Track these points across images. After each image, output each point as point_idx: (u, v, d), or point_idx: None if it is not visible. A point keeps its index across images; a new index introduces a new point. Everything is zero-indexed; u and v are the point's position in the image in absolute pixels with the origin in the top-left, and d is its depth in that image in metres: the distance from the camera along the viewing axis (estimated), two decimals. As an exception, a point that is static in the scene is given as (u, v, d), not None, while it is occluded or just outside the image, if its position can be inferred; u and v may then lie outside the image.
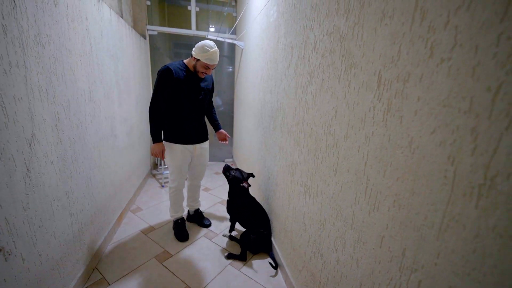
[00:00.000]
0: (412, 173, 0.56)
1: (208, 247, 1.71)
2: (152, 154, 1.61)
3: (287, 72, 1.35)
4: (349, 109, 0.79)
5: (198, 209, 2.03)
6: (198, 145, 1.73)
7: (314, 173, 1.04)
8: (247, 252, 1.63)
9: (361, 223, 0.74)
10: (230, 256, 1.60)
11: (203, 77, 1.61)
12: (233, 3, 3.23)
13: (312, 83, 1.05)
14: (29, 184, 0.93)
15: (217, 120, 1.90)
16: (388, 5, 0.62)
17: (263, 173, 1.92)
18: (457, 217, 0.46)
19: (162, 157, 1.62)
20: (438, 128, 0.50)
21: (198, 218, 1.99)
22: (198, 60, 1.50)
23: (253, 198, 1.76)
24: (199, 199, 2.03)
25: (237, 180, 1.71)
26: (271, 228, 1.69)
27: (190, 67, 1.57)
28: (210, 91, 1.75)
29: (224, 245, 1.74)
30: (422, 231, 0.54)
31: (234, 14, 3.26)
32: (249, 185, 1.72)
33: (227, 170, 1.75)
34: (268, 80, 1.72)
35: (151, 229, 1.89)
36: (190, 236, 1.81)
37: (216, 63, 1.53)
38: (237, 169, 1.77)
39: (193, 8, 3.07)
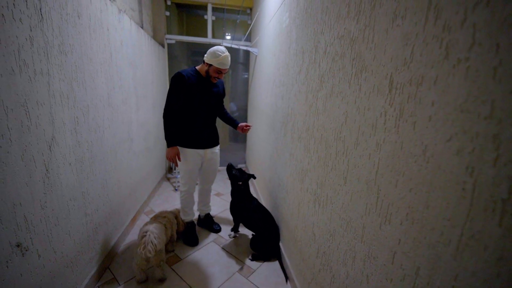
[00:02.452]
0: (427, 184, 0.51)
1: (217, 253, 1.69)
2: (167, 158, 1.64)
3: (298, 77, 1.33)
4: (360, 114, 0.75)
5: (209, 213, 2.03)
6: (209, 150, 1.74)
7: (324, 181, 1.00)
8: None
9: (372, 236, 0.69)
10: (254, 257, 1.65)
11: (216, 82, 1.64)
12: (248, 11, 3.29)
13: (322, 88, 1.02)
14: (48, 184, 0.98)
15: (232, 117, 1.89)
16: (400, 5, 0.59)
17: (274, 180, 1.89)
18: (477, 236, 0.41)
19: (176, 162, 1.64)
20: (455, 135, 0.45)
21: (208, 223, 1.99)
22: (210, 65, 1.54)
23: (255, 199, 1.78)
24: (210, 204, 2.04)
25: (236, 179, 1.75)
26: (281, 235, 1.65)
27: (202, 72, 1.61)
28: (221, 95, 1.78)
29: (233, 251, 1.72)
30: (438, 249, 0.48)
31: (249, 22, 3.32)
32: (245, 185, 1.77)
33: (229, 169, 1.81)
34: (280, 86, 1.71)
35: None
36: (199, 241, 1.81)
37: (228, 67, 1.56)
38: (239, 169, 1.81)
39: (209, 17, 3.17)
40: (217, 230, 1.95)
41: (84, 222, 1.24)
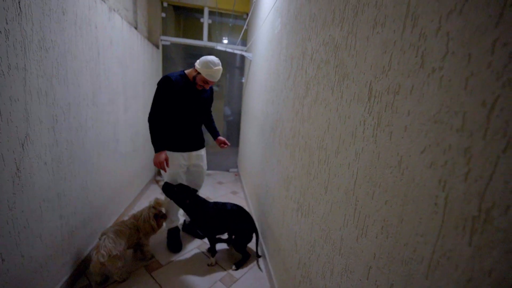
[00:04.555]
0: (401, 196, 0.49)
1: (200, 260, 1.64)
2: (154, 164, 1.53)
3: (287, 83, 1.32)
4: (341, 122, 0.73)
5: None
6: (194, 153, 1.71)
7: (307, 190, 0.98)
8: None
9: (349, 249, 0.66)
10: (238, 265, 1.60)
11: (201, 89, 1.59)
12: (245, 16, 3.31)
13: (308, 95, 1.00)
14: (18, 183, 0.93)
15: (215, 128, 1.90)
16: (380, 12, 0.58)
17: (262, 186, 1.86)
18: (448, 254, 0.39)
19: (164, 168, 1.53)
20: (429, 147, 0.43)
21: (194, 229, 1.94)
22: (199, 73, 1.50)
23: (209, 202, 1.65)
24: None
25: (180, 198, 1.55)
26: (267, 243, 1.60)
27: (190, 77, 1.57)
28: (208, 100, 1.75)
29: (217, 259, 1.67)
30: (411, 266, 0.46)
31: (246, 27, 3.33)
32: (195, 199, 1.59)
33: (167, 190, 1.56)
34: (271, 91, 1.70)
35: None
36: (183, 247, 1.75)
37: (216, 80, 1.51)
38: (179, 185, 1.60)
39: (205, 20, 3.17)
40: (202, 236, 1.90)
41: (58, 225, 1.19)
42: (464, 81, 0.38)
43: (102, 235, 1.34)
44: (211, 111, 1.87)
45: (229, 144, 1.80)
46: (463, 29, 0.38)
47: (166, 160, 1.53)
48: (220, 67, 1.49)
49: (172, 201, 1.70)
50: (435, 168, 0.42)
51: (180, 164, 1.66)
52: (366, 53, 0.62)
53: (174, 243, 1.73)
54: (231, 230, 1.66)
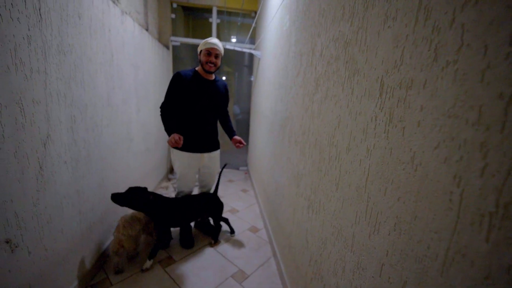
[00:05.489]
0: (414, 193, 0.48)
1: (212, 256, 1.67)
2: (171, 145, 1.52)
3: (296, 80, 1.31)
4: (352, 118, 0.72)
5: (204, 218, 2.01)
6: (206, 154, 1.71)
7: (318, 187, 0.97)
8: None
9: (361, 246, 0.66)
10: (215, 238, 1.84)
11: (211, 70, 1.57)
12: (253, 14, 3.30)
13: (318, 91, 1.00)
14: (41, 181, 0.98)
15: (232, 127, 1.85)
16: (392, 6, 0.57)
17: (271, 184, 1.86)
18: (463, 250, 0.38)
19: (179, 143, 1.48)
20: (443, 142, 0.42)
21: (205, 226, 1.97)
22: (201, 52, 1.56)
23: (167, 198, 1.61)
24: None
25: (139, 200, 1.46)
26: (276, 241, 1.61)
27: (201, 72, 1.61)
28: (221, 97, 1.71)
29: (228, 255, 1.69)
30: (425, 263, 0.45)
31: (254, 26, 3.33)
32: (155, 197, 1.54)
33: (116, 200, 1.41)
34: (280, 88, 1.70)
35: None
36: (195, 243, 1.79)
37: (216, 47, 1.52)
38: (131, 189, 1.47)
39: (214, 20, 3.19)
40: (215, 235, 1.92)
41: (78, 220, 1.25)
42: (480, 73, 0.37)
43: (121, 218, 1.48)
44: (227, 112, 1.86)
45: (245, 143, 1.76)
46: (478, 20, 0.37)
47: (180, 138, 1.49)
48: (215, 38, 1.57)
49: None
50: (450, 163, 0.41)
51: (190, 165, 1.68)
52: (377, 48, 0.61)
53: (186, 239, 1.77)
54: (202, 211, 1.77)
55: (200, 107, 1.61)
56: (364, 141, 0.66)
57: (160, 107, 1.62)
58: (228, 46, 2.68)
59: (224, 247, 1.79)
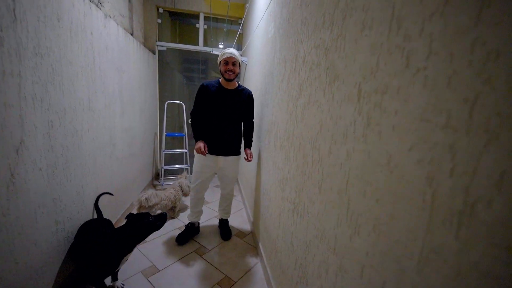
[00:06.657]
0: (392, 194, 0.50)
1: (198, 263, 1.63)
2: (197, 152, 1.68)
3: (281, 86, 1.33)
4: (333, 123, 0.74)
5: (223, 219, 2.06)
6: (221, 158, 1.77)
7: (302, 190, 0.98)
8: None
9: (343, 248, 0.67)
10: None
11: (231, 77, 1.67)
12: (239, 21, 3.34)
13: (301, 96, 1.02)
14: (12, 190, 0.93)
15: (249, 139, 1.87)
16: (367, 16, 0.59)
17: (258, 189, 1.86)
18: (437, 249, 0.40)
19: (204, 152, 1.64)
20: (416, 144, 0.44)
21: (221, 228, 2.03)
22: (220, 63, 1.69)
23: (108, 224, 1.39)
24: (229, 211, 2.06)
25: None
26: (263, 246, 1.60)
27: (222, 81, 1.73)
28: (242, 105, 1.75)
29: (214, 262, 1.66)
30: (402, 263, 0.46)
31: (241, 32, 3.37)
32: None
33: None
34: (266, 94, 1.71)
35: (143, 241, 1.84)
36: (180, 251, 1.74)
37: (233, 55, 1.63)
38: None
39: (201, 26, 3.20)
40: (225, 238, 1.93)
41: (54, 230, 1.18)
42: (447, 79, 0.39)
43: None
44: (252, 124, 1.87)
45: (250, 159, 1.79)
46: (444, 29, 0.39)
47: (205, 146, 1.68)
48: (232, 49, 1.67)
49: (195, 196, 1.89)
50: (423, 165, 0.43)
51: (204, 165, 1.76)
52: (355, 55, 0.63)
53: (182, 236, 1.85)
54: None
55: (218, 115, 1.71)
56: (344, 145, 0.68)
57: (190, 114, 1.77)
58: (215, 52, 2.69)
59: (210, 254, 1.75)
